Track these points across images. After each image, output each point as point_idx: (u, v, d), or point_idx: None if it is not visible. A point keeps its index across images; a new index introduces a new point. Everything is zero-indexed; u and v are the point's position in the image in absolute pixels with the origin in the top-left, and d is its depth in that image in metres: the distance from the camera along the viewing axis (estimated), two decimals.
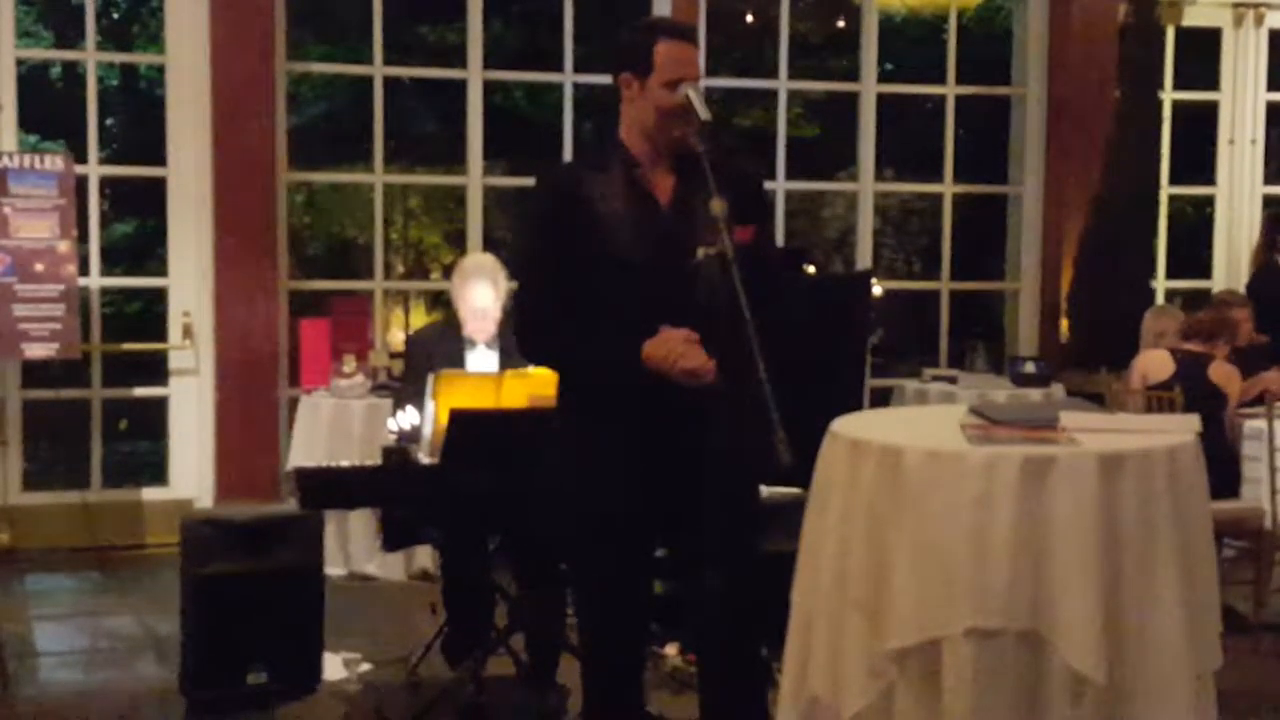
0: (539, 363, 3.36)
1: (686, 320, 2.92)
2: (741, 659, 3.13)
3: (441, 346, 4.69)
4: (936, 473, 2.79)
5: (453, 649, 4.52)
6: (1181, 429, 3.04)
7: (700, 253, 2.82)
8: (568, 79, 7.46)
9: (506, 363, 4.57)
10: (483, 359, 4.66)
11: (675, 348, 2.89)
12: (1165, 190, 8.10)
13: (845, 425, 3.08)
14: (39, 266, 6.29)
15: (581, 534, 3.14)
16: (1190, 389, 5.56)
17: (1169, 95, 8.10)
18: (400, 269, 12.46)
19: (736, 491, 3.03)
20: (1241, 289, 7.84)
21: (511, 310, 4.40)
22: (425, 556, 6.06)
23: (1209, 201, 8.71)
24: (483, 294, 4.67)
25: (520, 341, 3.26)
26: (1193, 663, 2.80)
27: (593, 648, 3.20)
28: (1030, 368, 7.29)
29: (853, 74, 8.05)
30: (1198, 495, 2.94)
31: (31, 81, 7.77)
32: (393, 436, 4.42)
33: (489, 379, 4.33)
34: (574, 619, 4.33)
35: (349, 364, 6.45)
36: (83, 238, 6.73)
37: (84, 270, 6.76)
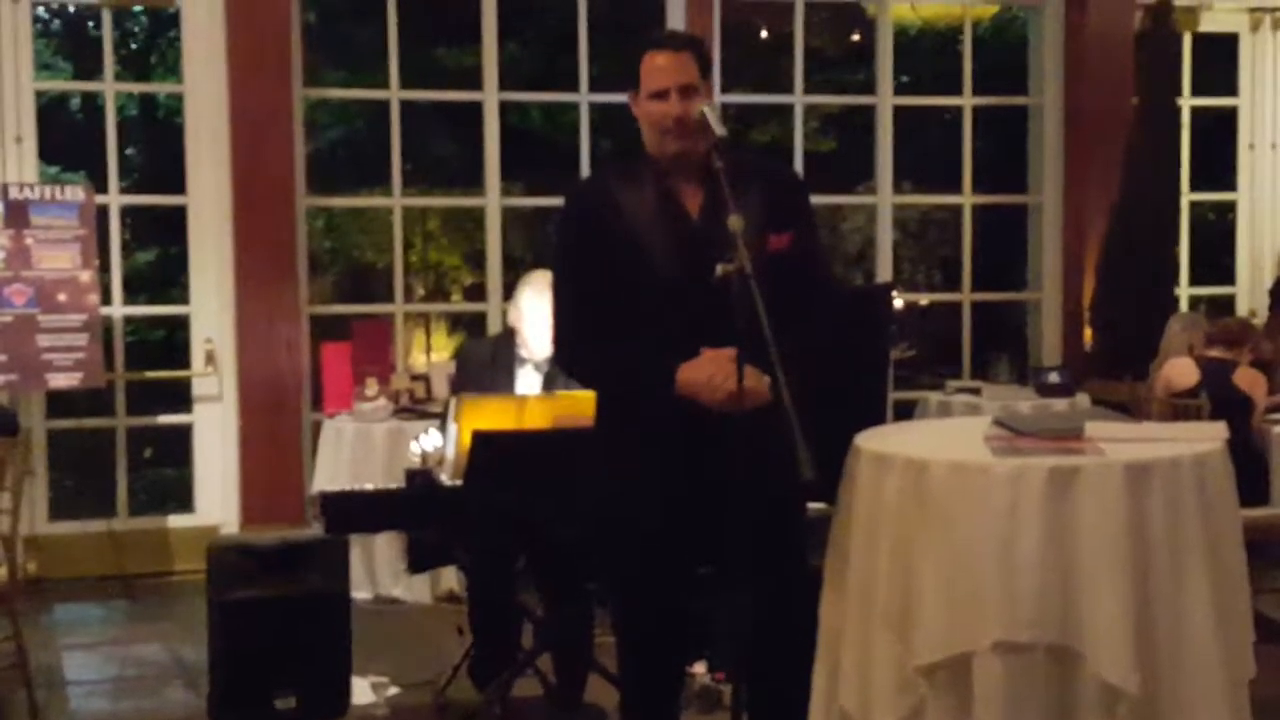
0: (577, 379, 3.35)
1: (718, 333, 2.90)
2: (780, 685, 3.09)
3: (496, 361, 4.64)
4: (962, 485, 2.77)
5: (480, 671, 4.51)
6: (1209, 436, 3.02)
7: (719, 269, 2.81)
8: (584, 98, 7.48)
9: (550, 386, 4.53)
10: (528, 380, 4.61)
11: (715, 378, 2.86)
12: (1186, 196, 8.06)
13: (869, 439, 3.07)
14: (61, 297, 6.33)
15: (620, 552, 3.13)
16: (1216, 395, 5.53)
17: (1187, 101, 8.07)
18: (420, 291, 12.48)
19: (772, 510, 3.00)
20: (1265, 294, 7.80)
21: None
22: (451, 578, 6.05)
23: (1230, 207, 8.67)
24: (545, 304, 4.53)
25: (558, 358, 3.27)
26: (1225, 672, 2.77)
27: (631, 667, 3.19)
28: (1054, 378, 7.25)
29: (869, 87, 8.05)
30: (1227, 503, 2.92)
31: (51, 113, 7.84)
32: (416, 459, 4.41)
33: (511, 401, 4.32)
34: (601, 639, 4.34)
35: (371, 387, 6.46)
36: (104, 267, 6.77)
37: (106, 299, 6.79)
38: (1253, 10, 8.28)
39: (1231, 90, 8.42)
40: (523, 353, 4.58)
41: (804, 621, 3.08)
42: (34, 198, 6.35)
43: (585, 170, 7.45)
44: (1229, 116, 8.45)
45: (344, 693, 4.51)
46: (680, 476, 2.99)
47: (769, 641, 3.01)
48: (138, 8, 10.02)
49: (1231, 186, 8.53)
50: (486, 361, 4.62)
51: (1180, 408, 5.59)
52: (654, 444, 3.01)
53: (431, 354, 11.83)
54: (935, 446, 2.97)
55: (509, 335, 4.66)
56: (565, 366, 3.27)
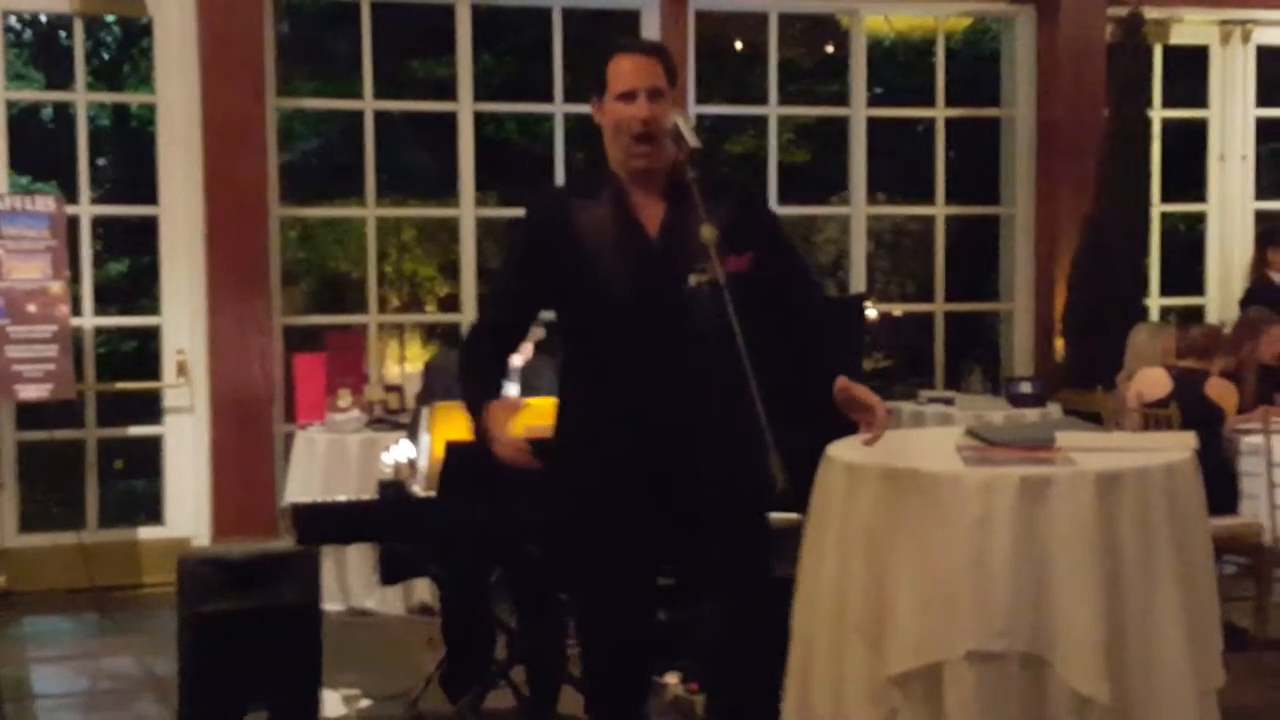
0: None
1: (669, 351, 2.91)
2: (750, 695, 3.08)
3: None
4: (934, 495, 2.78)
5: (453, 683, 4.49)
6: (1178, 446, 3.04)
7: (691, 279, 2.81)
8: (558, 109, 7.48)
9: (528, 395, 4.51)
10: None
11: (491, 431, 2.98)
12: (1157, 208, 8.11)
13: (841, 449, 3.07)
14: (31, 308, 6.29)
15: (579, 566, 3.13)
16: (1187, 406, 5.56)
17: (1158, 113, 8.12)
18: (394, 302, 12.44)
19: (737, 521, 3.00)
20: (1235, 305, 7.85)
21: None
22: (424, 590, 6.03)
23: (1201, 218, 8.73)
24: None
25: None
26: (1195, 681, 2.79)
27: (595, 680, 3.18)
28: (1026, 388, 7.28)
29: (843, 99, 8.08)
30: (1196, 512, 2.93)
31: (22, 123, 7.78)
32: (388, 470, 4.40)
33: None
34: (574, 650, 4.33)
35: (344, 398, 6.44)
36: (75, 278, 6.73)
37: (77, 310, 6.75)
38: (1223, 23, 8.34)
39: (1202, 102, 8.49)
40: None
41: (773, 631, 3.07)
42: (4, 208, 6.31)
43: (560, 181, 7.44)
44: (1199, 128, 8.51)
45: (315, 705, 4.48)
46: (641, 489, 2.98)
47: (737, 652, 3.01)
48: (110, 17, 9.98)
49: (1202, 198, 8.59)
50: (454, 373, 4.60)
51: (1151, 417, 5.62)
52: (612, 456, 3.00)
53: (405, 365, 11.76)
54: (908, 456, 2.98)
55: None
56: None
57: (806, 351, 3.07)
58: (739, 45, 10.81)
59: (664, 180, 3.03)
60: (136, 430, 7.27)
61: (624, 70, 3.02)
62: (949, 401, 7.35)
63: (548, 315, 3.30)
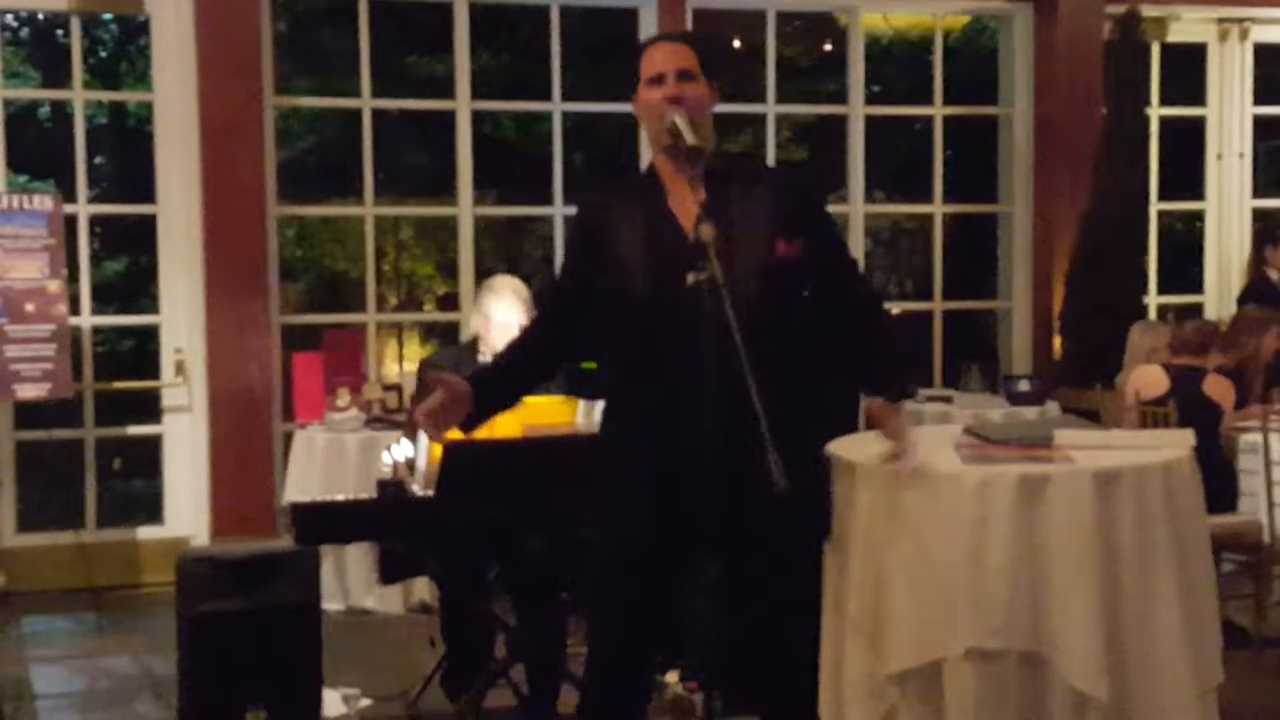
0: None
1: (698, 353, 2.86)
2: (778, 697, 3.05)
3: (459, 372, 4.62)
4: (933, 494, 2.79)
5: (452, 682, 4.50)
6: (1176, 444, 3.04)
7: (690, 278, 2.79)
8: (556, 108, 7.47)
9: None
10: None
11: (429, 393, 3.19)
12: (1154, 206, 8.11)
13: (841, 447, 3.07)
14: (29, 307, 6.28)
15: (601, 560, 3.12)
16: (1185, 403, 5.56)
17: (1156, 111, 8.12)
18: (393, 301, 12.44)
19: (753, 527, 2.96)
20: (1233, 303, 7.86)
21: None
22: (424, 589, 6.04)
23: (1199, 216, 8.73)
24: (507, 309, 4.58)
25: None
26: (1194, 679, 2.79)
27: (597, 675, 3.17)
28: (1024, 386, 7.28)
29: (840, 97, 8.07)
30: (1194, 510, 2.94)
31: (19, 121, 7.77)
32: (387, 469, 4.39)
33: None
34: (574, 649, 4.34)
35: (343, 397, 6.44)
36: (73, 277, 6.72)
37: (75, 309, 6.74)
38: (1220, 21, 8.35)
39: (1199, 100, 8.49)
40: (491, 356, 4.57)
41: (797, 634, 3.03)
42: (1, 207, 6.30)
43: (558, 180, 7.46)
44: (1197, 126, 8.51)
45: (315, 705, 4.48)
46: (656, 491, 2.97)
47: (771, 659, 2.96)
48: (107, 15, 9.96)
49: (1199, 196, 8.60)
50: (448, 372, 4.60)
51: (1149, 415, 5.62)
52: (635, 458, 3.00)
53: (404, 364, 11.78)
54: None
55: (473, 345, 4.66)
56: None
57: (855, 350, 3.11)
58: (737, 43, 10.81)
59: (703, 168, 3.02)
60: (135, 429, 7.26)
61: (653, 57, 3.08)
62: (947, 400, 7.35)
63: None
